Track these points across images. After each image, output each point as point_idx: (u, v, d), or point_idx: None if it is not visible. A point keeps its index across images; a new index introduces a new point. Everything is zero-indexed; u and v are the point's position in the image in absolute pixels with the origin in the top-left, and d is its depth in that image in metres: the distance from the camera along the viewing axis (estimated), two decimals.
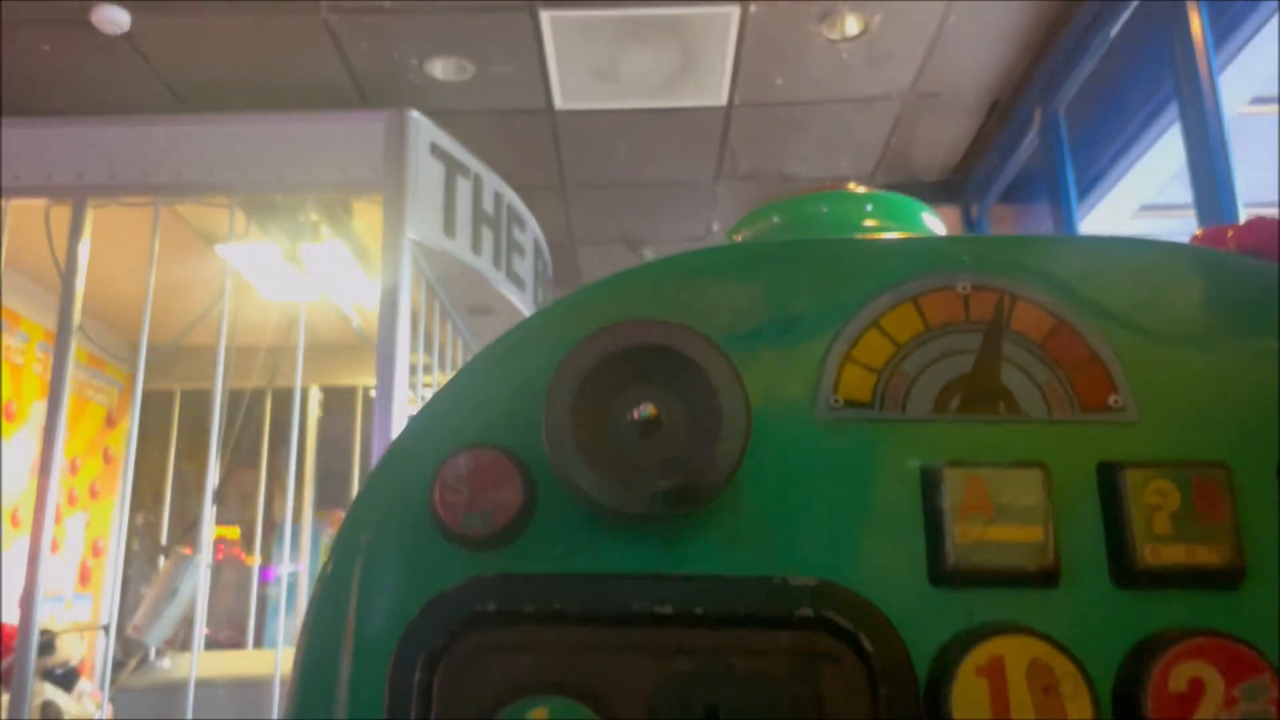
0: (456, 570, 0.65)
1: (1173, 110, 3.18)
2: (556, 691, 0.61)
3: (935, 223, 0.99)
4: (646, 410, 0.63)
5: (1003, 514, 0.65)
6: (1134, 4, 3.24)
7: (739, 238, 0.99)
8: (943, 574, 0.65)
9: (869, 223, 0.94)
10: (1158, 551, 0.64)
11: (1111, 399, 0.69)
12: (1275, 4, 2.91)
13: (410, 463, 0.69)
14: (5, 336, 4.51)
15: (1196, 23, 2.97)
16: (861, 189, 0.99)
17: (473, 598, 0.64)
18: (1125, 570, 0.65)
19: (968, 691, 0.60)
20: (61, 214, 3.58)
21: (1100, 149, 3.77)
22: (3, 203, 3.57)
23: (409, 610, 0.64)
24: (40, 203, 3.61)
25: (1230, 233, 0.90)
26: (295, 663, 0.68)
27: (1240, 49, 3.06)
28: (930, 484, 0.66)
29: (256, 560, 5.36)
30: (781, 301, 0.73)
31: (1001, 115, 4.24)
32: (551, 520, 0.66)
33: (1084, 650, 0.61)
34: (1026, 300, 0.72)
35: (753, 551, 0.66)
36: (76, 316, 3.47)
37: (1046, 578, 0.65)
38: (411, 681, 0.63)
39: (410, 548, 0.67)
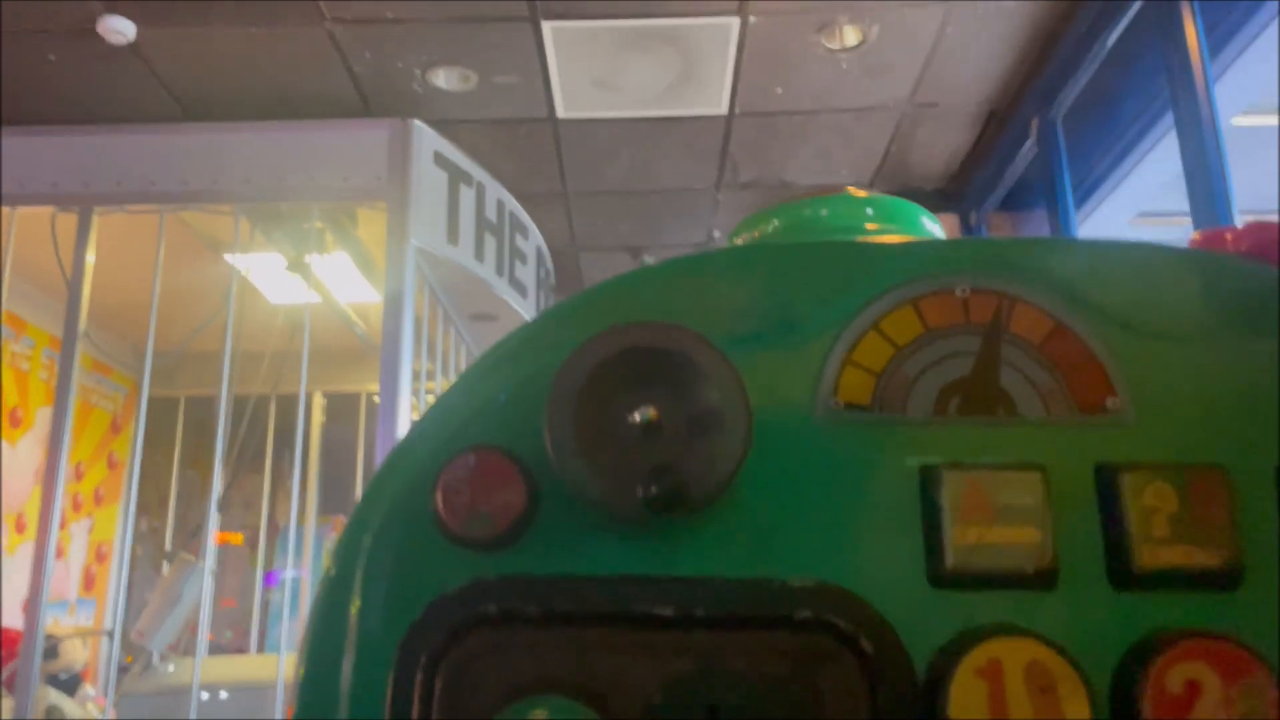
0: (459, 572, 0.65)
1: (1168, 119, 3.21)
2: (558, 692, 0.61)
3: (935, 227, 0.98)
4: (647, 412, 0.63)
5: (1001, 516, 0.65)
6: (1130, 14, 3.27)
7: (740, 241, 0.99)
8: (941, 575, 0.65)
9: (869, 226, 0.94)
10: (1155, 553, 0.64)
11: (1109, 401, 0.69)
12: (1270, 15, 2.94)
13: (413, 465, 0.69)
14: (11, 343, 4.54)
15: (1192, 33, 2.99)
16: (862, 193, 0.99)
17: (475, 599, 0.64)
18: (1123, 572, 0.65)
19: (966, 692, 0.60)
20: (67, 222, 3.61)
21: (1097, 157, 3.79)
22: (9, 211, 3.60)
23: (411, 611, 0.64)
24: (46, 210, 3.64)
25: (1229, 235, 0.89)
26: (298, 664, 0.68)
27: (1235, 58, 3.08)
28: (929, 486, 0.66)
29: (258, 575, 5.38)
30: (782, 304, 0.73)
31: (999, 124, 4.26)
32: (553, 522, 0.67)
33: (1082, 652, 0.61)
34: (1025, 303, 0.72)
35: (753, 553, 0.66)
36: (82, 323, 3.50)
37: (1044, 579, 0.65)
38: (413, 682, 0.63)
39: (412, 549, 0.67)
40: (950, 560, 0.65)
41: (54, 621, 4.57)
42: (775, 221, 0.94)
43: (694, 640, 0.64)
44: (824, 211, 0.93)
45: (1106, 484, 0.67)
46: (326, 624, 0.67)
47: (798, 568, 0.65)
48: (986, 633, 0.62)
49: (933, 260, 0.74)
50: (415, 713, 0.62)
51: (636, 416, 0.64)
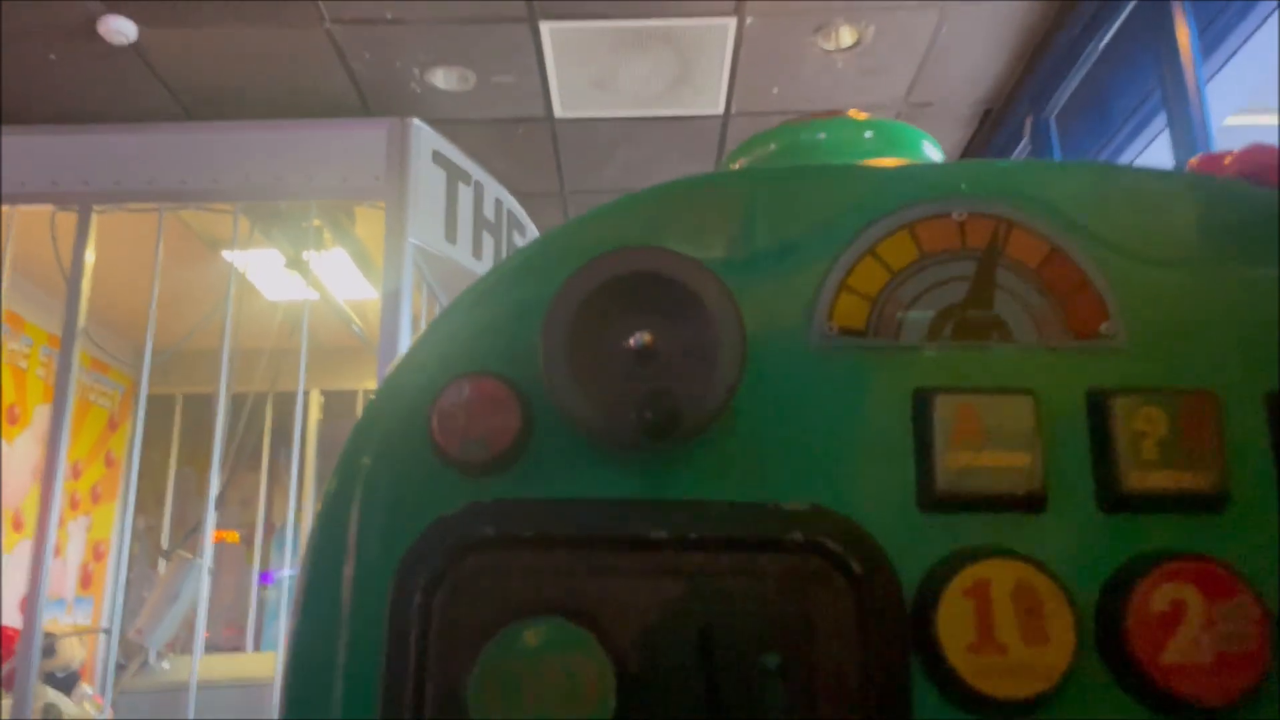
0: (455, 496, 0.66)
1: (1161, 119, 3.23)
2: (553, 613, 0.62)
3: (936, 152, 0.98)
4: (642, 338, 0.63)
5: (992, 440, 0.65)
6: (1123, 15, 3.30)
7: (738, 165, 0.98)
8: (932, 499, 0.66)
9: (868, 150, 0.93)
10: (1144, 477, 0.65)
11: (1103, 326, 0.70)
12: (1262, 16, 2.96)
13: (409, 390, 0.70)
14: (9, 341, 4.54)
15: (1184, 33, 3.01)
16: (862, 116, 0.98)
17: (471, 522, 0.65)
18: (1111, 495, 0.66)
19: (953, 613, 0.61)
20: (67, 220, 3.62)
21: (1090, 156, 3.82)
22: (9, 209, 3.61)
23: (409, 534, 0.65)
24: (46, 209, 3.65)
25: (1227, 159, 0.88)
26: (299, 583, 0.69)
27: (1227, 59, 3.11)
28: (921, 410, 0.67)
29: (254, 573, 5.38)
30: (777, 229, 0.73)
31: (994, 124, 4.29)
32: (548, 447, 0.67)
33: (1069, 573, 0.62)
34: (1022, 227, 0.72)
35: (746, 477, 0.66)
36: (81, 321, 3.50)
37: (1034, 503, 0.65)
38: (412, 603, 0.64)
39: (409, 474, 0.67)
40: (940, 483, 0.65)
41: (52, 620, 4.57)
42: (773, 145, 0.93)
43: (687, 562, 0.64)
44: (822, 135, 0.92)
45: (1097, 408, 0.67)
46: (326, 545, 0.68)
47: (790, 492, 0.66)
48: (975, 554, 0.63)
49: (929, 184, 0.74)
50: (413, 632, 0.63)
51: (631, 342, 0.64)
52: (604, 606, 0.64)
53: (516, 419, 0.66)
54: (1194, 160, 0.94)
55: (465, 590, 0.64)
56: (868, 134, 0.95)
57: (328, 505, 0.69)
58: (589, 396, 0.63)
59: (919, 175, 0.78)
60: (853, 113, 0.94)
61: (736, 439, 0.67)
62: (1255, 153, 0.86)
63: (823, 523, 0.65)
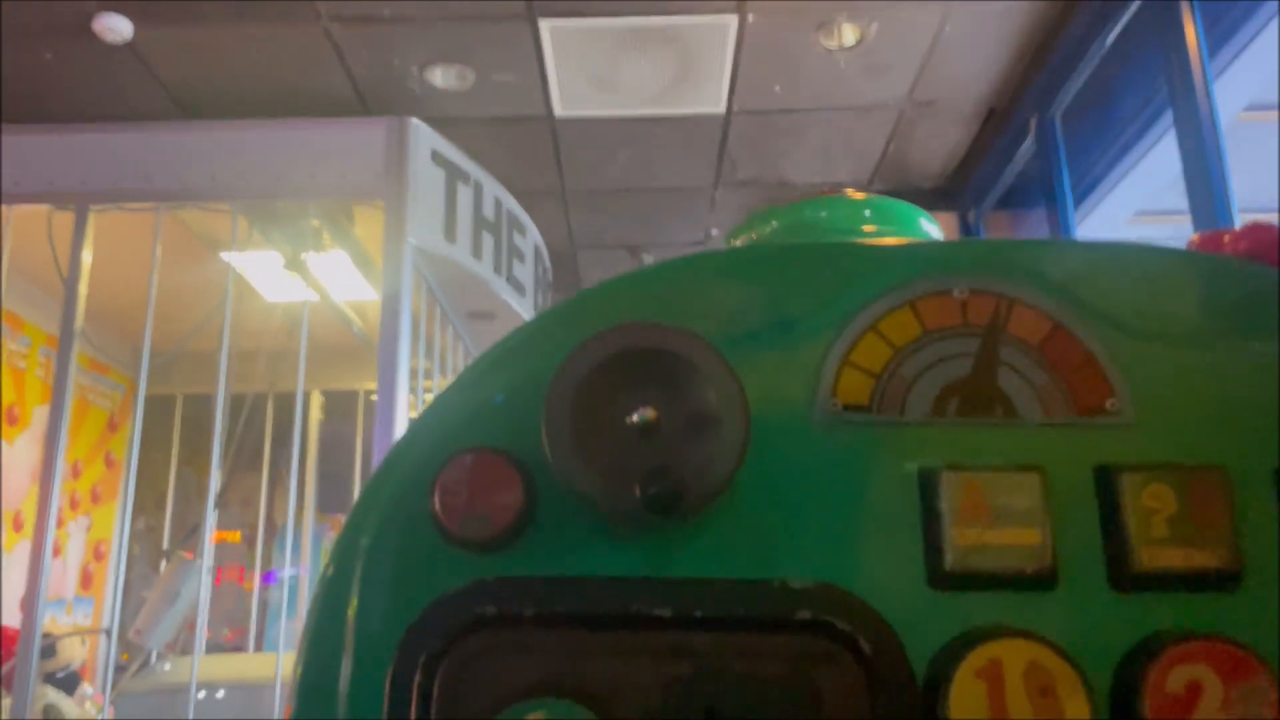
0: (457, 573, 0.65)
1: (1168, 117, 3.21)
2: (557, 694, 0.61)
3: (933, 228, 0.98)
4: (645, 414, 0.63)
5: (1000, 517, 0.65)
6: (1129, 12, 3.27)
7: (738, 242, 0.98)
8: (941, 577, 0.65)
9: (867, 228, 0.94)
10: (1155, 554, 0.64)
11: (1108, 402, 0.69)
12: (1269, 13, 2.94)
13: (411, 466, 0.69)
14: (8, 341, 4.53)
15: (1191, 30, 2.99)
16: (860, 195, 0.99)
17: (473, 600, 0.64)
18: (1122, 573, 0.65)
19: (965, 693, 0.60)
20: (64, 220, 3.60)
21: (1096, 155, 3.79)
22: (6, 209, 3.59)
23: (409, 613, 0.64)
24: (43, 209, 3.63)
25: (1227, 237, 0.89)
26: (297, 663, 0.68)
27: (1235, 56, 3.08)
28: (928, 487, 0.66)
29: (256, 575, 5.38)
30: (780, 305, 0.73)
31: (998, 122, 4.26)
32: (552, 524, 0.66)
33: (1082, 653, 0.61)
34: (1024, 304, 0.71)
35: (752, 554, 0.66)
36: (79, 321, 3.49)
37: (1044, 580, 0.65)
38: (412, 683, 0.63)
39: (411, 550, 0.67)
40: (949, 561, 0.65)
41: (51, 620, 4.57)
42: (774, 222, 0.94)
43: (692, 642, 0.64)
44: (822, 213, 0.93)
45: (1106, 485, 0.66)
46: (325, 624, 0.67)
47: (797, 569, 0.65)
48: (986, 634, 0.62)
49: (931, 261, 0.74)
50: (413, 713, 0.62)
51: (635, 417, 0.63)
52: (608, 687, 0.63)
53: (519, 495, 0.65)
54: (1194, 238, 0.95)
55: (467, 669, 0.64)
56: (866, 211, 0.95)
57: (327, 582, 0.68)
58: (592, 472, 0.62)
59: (920, 253, 0.78)
60: (850, 192, 0.94)
61: (741, 516, 0.67)
62: (1255, 231, 0.87)
63: (831, 601, 0.64)
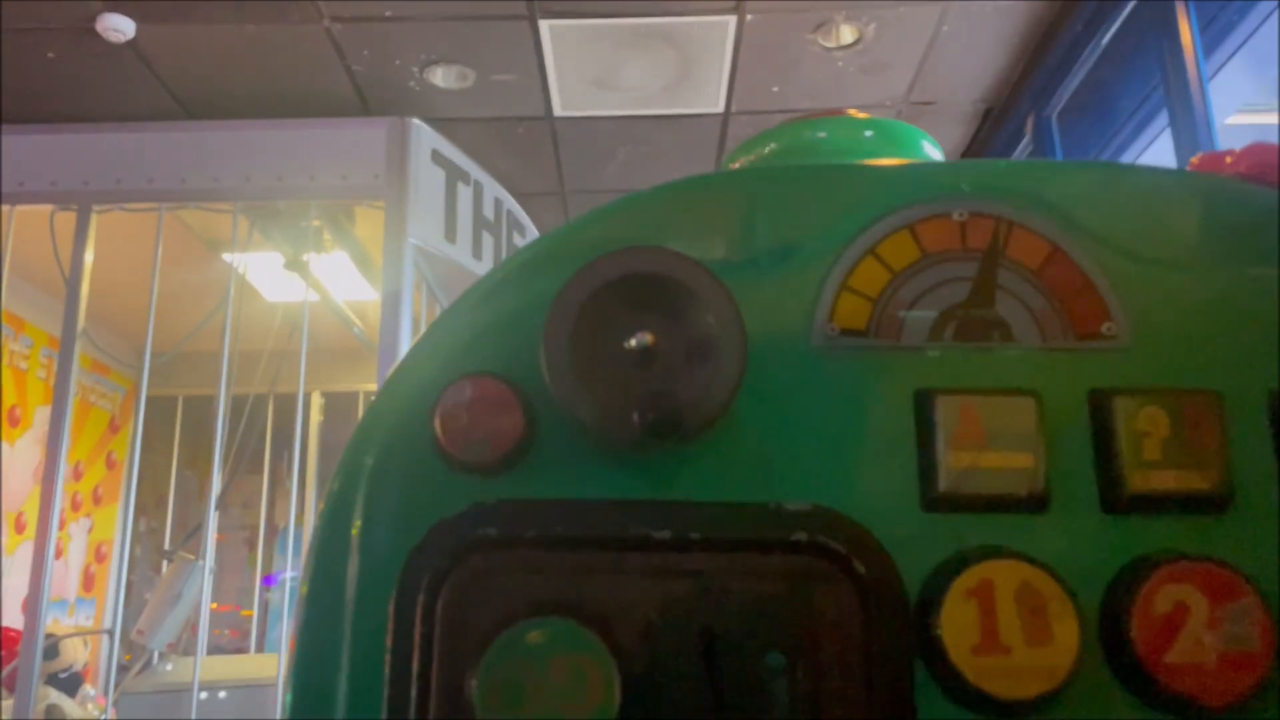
0: (458, 497, 0.66)
1: (1163, 117, 3.23)
2: (557, 613, 0.62)
3: (935, 151, 0.97)
4: (644, 339, 0.63)
5: (995, 441, 0.65)
6: (1125, 12, 3.29)
7: (737, 165, 0.97)
8: (935, 499, 0.65)
9: (868, 149, 0.92)
10: (1146, 477, 0.65)
11: (1105, 326, 0.69)
12: (1265, 13, 2.96)
13: (411, 392, 0.70)
14: (10, 342, 4.54)
15: (1186, 30, 3.01)
16: (863, 115, 0.97)
17: (474, 524, 0.65)
18: (1114, 496, 0.65)
19: (957, 613, 0.61)
20: (66, 220, 3.62)
21: (1092, 155, 3.81)
22: (8, 209, 3.60)
23: (412, 536, 0.65)
24: (45, 209, 3.65)
25: (1228, 158, 0.88)
26: (302, 584, 0.69)
27: (1230, 56, 3.10)
28: (924, 411, 0.67)
29: (257, 576, 5.37)
30: (778, 229, 0.73)
31: (995, 122, 4.28)
32: (551, 448, 0.67)
33: (1072, 574, 0.62)
34: (1023, 227, 0.71)
35: (748, 477, 0.66)
36: (81, 322, 3.50)
37: (1036, 503, 0.65)
38: (415, 605, 0.63)
39: (413, 474, 0.67)
40: (943, 484, 0.65)
41: (54, 621, 4.57)
42: (772, 144, 0.93)
43: (690, 563, 0.64)
44: (822, 134, 0.92)
45: (1099, 409, 0.67)
46: (330, 546, 0.68)
47: (793, 492, 0.66)
48: (978, 555, 0.63)
49: (930, 184, 0.74)
50: (417, 633, 0.63)
51: (633, 342, 0.63)
52: (608, 607, 0.63)
53: (519, 420, 0.66)
54: (1195, 159, 0.94)
55: (469, 591, 0.64)
56: (868, 133, 0.94)
57: (331, 506, 0.69)
58: (591, 397, 0.63)
59: (919, 175, 0.78)
60: (852, 112, 0.93)
61: (738, 440, 0.67)
62: (1256, 152, 0.86)
63: (826, 523, 0.64)
